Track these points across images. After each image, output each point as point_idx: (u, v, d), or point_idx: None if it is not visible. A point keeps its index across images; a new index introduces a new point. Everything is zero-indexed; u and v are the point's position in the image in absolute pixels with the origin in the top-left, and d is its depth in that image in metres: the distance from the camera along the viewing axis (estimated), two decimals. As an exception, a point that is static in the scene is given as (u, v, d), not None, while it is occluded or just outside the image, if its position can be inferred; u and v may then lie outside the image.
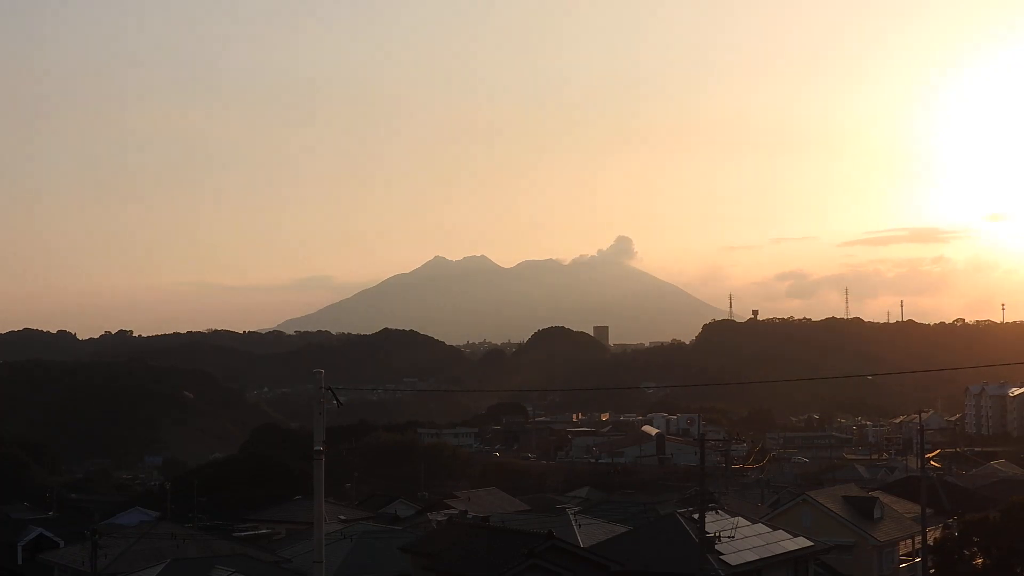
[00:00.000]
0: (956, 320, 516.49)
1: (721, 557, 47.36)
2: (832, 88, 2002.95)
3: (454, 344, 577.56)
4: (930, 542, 65.23)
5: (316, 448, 27.62)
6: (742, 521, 51.05)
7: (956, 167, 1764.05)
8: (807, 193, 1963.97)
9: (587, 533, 54.58)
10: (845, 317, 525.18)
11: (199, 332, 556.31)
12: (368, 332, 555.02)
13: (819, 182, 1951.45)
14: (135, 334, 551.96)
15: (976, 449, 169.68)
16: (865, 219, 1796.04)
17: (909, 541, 71.20)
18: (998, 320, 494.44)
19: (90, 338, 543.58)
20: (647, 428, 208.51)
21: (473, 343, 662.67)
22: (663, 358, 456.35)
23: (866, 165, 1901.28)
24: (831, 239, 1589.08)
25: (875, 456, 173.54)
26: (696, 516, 47.71)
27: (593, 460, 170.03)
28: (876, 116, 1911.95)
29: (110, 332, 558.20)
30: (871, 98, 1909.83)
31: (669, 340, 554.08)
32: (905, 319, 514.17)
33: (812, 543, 54.68)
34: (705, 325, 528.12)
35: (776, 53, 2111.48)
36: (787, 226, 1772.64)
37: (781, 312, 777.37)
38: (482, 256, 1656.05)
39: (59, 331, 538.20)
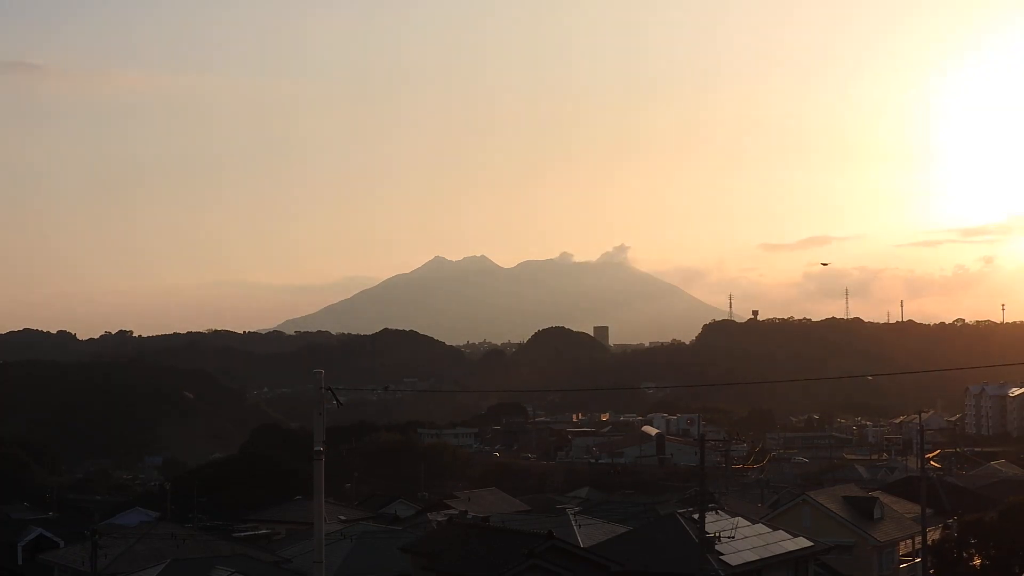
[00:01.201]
0: (956, 320, 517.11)
1: (721, 557, 47.38)
2: (866, 87, 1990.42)
3: (454, 344, 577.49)
4: (930, 542, 65.24)
5: (316, 448, 27.63)
6: (742, 521, 51.07)
7: (1000, 166, 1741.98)
8: (842, 195, 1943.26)
9: (587, 533, 54.59)
10: (845, 317, 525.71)
11: (199, 332, 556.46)
12: (368, 332, 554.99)
13: (858, 184, 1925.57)
14: (135, 334, 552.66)
15: (976, 449, 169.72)
16: (912, 220, 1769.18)
17: (909, 541, 71.20)
18: (998, 320, 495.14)
19: (90, 338, 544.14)
20: (647, 428, 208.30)
21: (473, 343, 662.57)
22: (663, 358, 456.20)
23: (906, 167, 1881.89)
24: (878, 240, 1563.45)
25: (875, 456, 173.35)
26: (696, 516, 47.73)
27: (593, 460, 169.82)
28: (914, 117, 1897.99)
29: (110, 332, 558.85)
30: (904, 98, 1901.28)
31: (669, 340, 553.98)
32: (905, 319, 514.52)
33: (812, 543, 54.69)
34: (705, 325, 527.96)
35: (810, 53, 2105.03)
36: (822, 227, 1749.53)
37: (820, 313, 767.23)
38: (482, 256, 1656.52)
39: (59, 331, 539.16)
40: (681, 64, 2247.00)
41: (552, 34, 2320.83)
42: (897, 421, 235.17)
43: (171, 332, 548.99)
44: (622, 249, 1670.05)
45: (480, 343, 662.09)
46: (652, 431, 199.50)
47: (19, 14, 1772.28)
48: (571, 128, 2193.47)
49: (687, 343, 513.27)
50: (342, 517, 77.10)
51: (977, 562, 62.99)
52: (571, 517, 57.73)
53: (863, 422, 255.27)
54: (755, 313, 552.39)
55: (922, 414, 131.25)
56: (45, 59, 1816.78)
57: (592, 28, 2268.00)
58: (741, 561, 48.40)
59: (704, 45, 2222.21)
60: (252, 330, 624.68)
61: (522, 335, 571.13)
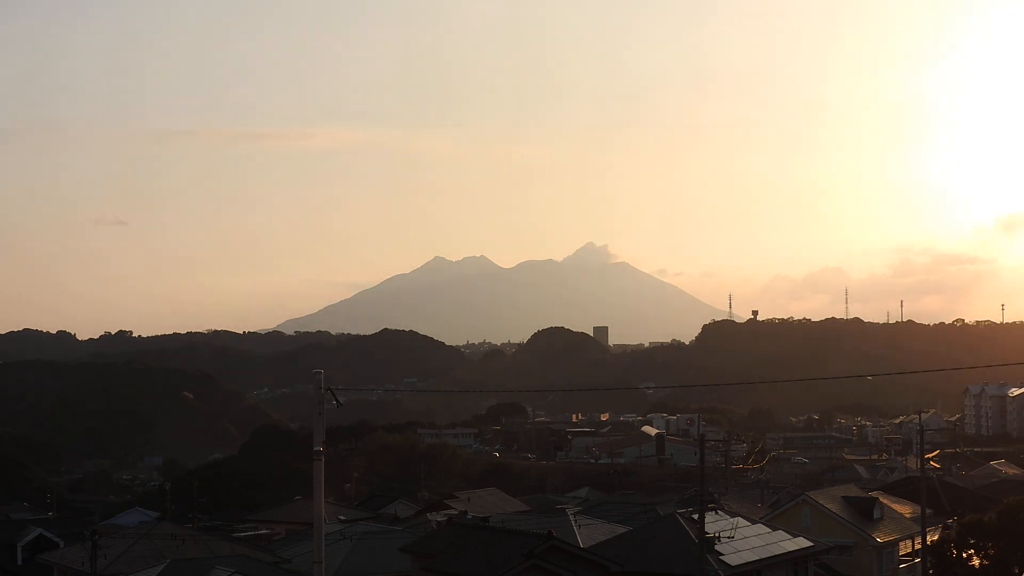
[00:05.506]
0: (956, 320, 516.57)
1: (721, 557, 47.38)
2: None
3: (454, 344, 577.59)
4: (929, 543, 65.19)
5: (316, 448, 27.64)
6: (742, 521, 51.08)
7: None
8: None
9: (587, 533, 54.53)
10: (845, 317, 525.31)
11: (199, 332, 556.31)
12: (368, 332, 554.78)
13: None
14: (135, 334, 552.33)
15: (976, 449, 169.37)
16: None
17: (909, 542, 71.16)
18: (998, 320, 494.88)
19: (90, 338, 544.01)
20: (647, 428, 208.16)
21: (473, 343, 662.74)
22: (663, 358, 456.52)
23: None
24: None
25: (875, 456, 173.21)
26: (696, 516, 47.71)
27: (593, 460, 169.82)
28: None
29: (110, 332, 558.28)
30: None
31: (669, 340, 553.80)
32: (905, 319, 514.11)
33: (812, 543, 54.70)
34: (705, 325, 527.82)
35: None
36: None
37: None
38: (482, 256, 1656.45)
39: (59, 331, 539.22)
40: (674, 65, 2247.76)
41: (553, 31, 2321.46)
42: (897, 421, 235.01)
43: (170, 332, 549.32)
44: (622, 250, 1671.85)
45: (480, 343, 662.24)
46: (652, 431, 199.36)
47: None
48: (575, 126, 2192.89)
49: (687, 343, 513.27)
50: (342, 517, 76.99)
51: (976, 562, 62.91)
52: (571, 517, 57.63)
53: (863, 422, 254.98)
54: (755, 313, 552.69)
55: (922, 414, 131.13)
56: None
57: (595, 26, 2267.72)
58: (741, 561, 48.40)
59: (695, 51, 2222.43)
60: (251, 330, 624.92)
61: (522, 335, 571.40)
